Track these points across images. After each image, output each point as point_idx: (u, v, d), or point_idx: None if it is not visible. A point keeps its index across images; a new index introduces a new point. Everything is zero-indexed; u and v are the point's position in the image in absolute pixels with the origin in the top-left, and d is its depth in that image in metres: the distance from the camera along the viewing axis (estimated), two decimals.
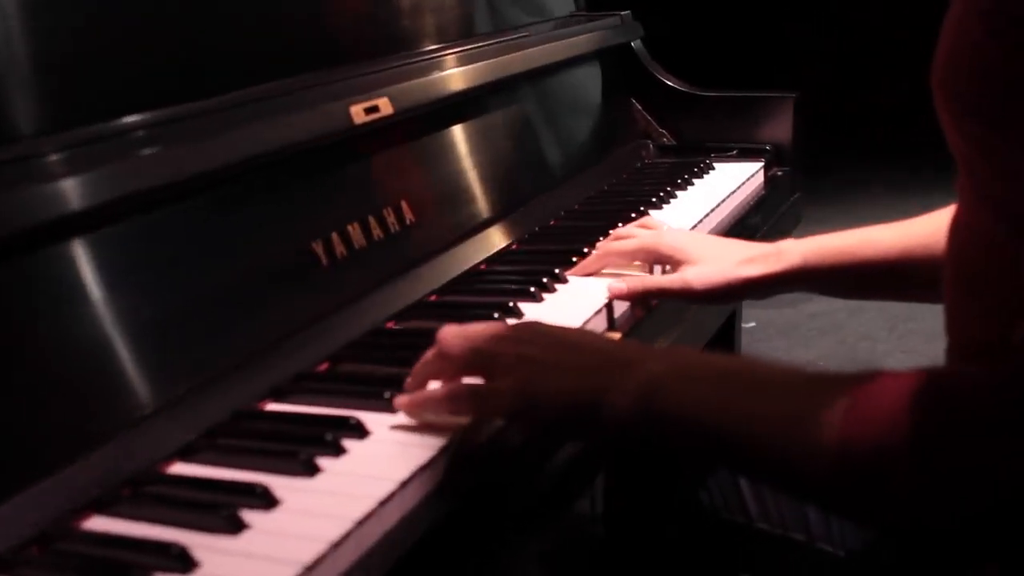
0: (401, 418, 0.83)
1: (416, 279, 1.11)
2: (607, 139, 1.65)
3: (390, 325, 1.03)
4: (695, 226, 1.33)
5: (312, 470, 0.75)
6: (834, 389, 0.68)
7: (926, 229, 1.04)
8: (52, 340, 0.77)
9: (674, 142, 1.73)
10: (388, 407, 0.83)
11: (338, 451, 0.78)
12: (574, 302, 1.07)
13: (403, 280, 1.09)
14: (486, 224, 1.26)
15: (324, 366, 0.94)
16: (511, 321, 0.87)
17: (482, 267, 1.20)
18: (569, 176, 1.49)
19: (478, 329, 0.84)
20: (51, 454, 0.73)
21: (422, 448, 0.78)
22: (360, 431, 0.80)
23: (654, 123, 1.72)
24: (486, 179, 1.32)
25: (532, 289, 1.08)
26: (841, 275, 1.06)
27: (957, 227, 0.78)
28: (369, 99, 1.07)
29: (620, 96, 1.70)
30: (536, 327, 0.85)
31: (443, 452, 0.78)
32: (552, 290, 1.10)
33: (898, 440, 0.64)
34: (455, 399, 0.81)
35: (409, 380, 0.85)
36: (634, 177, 1.58)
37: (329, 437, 0.78)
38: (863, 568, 0.98)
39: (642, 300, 1.09)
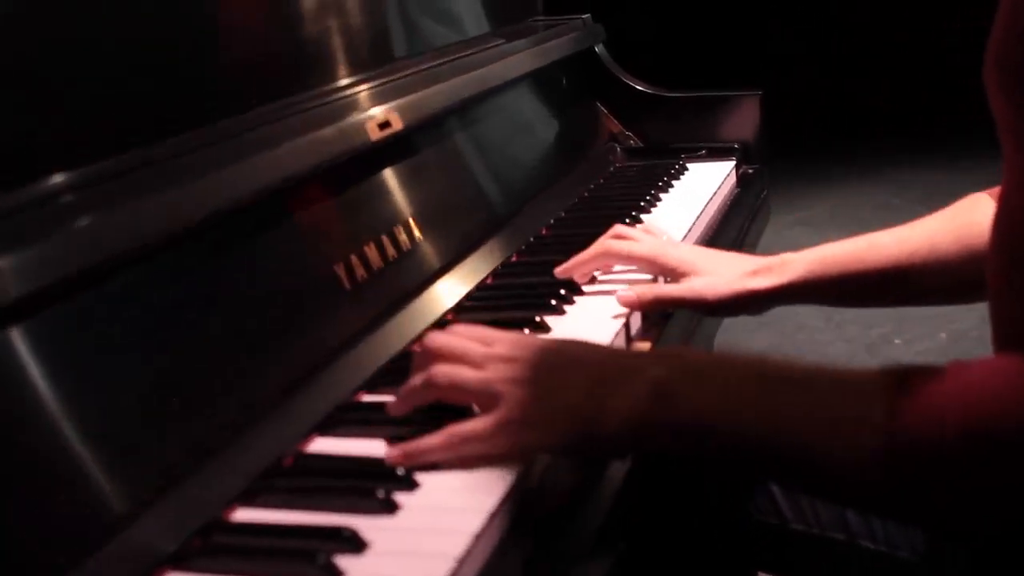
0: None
1: (432, 297, 1.08)
2: (579, 144, 1.64)
3: (417, 349, 0.99)
4: (688, 230, 1.32)
5: (392, 507, 0.71)
6: (870, 389, 0.68)
7: (927, 232, 1.05)
8: (99, 393, 0.72)
9: (641, 144, 1.72)
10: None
11: (411, 485, 0.74)
12: (598, 315, 1.05)
13: (420, 299, 1.06)
14: (485, 236, 1.23)
15: (363, 396, 0.90)
16: (499, 334, 0.82)
17: (489, 281, 1.17)
18: (550, 183, 1.47)
19: (465, 348, 0.80)
20: (110, 513, 0.68)
21: (497, 478, 0.75)
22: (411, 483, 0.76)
23: (620, 126, 1.72)
24: (479, 191, 1.30)
25: (553, 302, 1.06)
26: (845, 284, 1.06)
27: (1007, 210, 0.78)
28: (380, 115, 1.03)
29: (587, 100, 1.69)
30: (526, 341, 0.81)
31: (520, 482, 0.75)
32: (571, 301, 1.08)
33: (951, 441, 0.63)
34: (454, 446, 0.76)
35: (394, 404, 0.82)
36: (611, 182, 1.57)
37: (401, 472, 0.74)
38: (912, 565, 0.98)
39: (652, 309, 1.07)
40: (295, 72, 1.10)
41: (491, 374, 0.77)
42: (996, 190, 1.05)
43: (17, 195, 0.75)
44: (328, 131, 0.98)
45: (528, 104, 1.54)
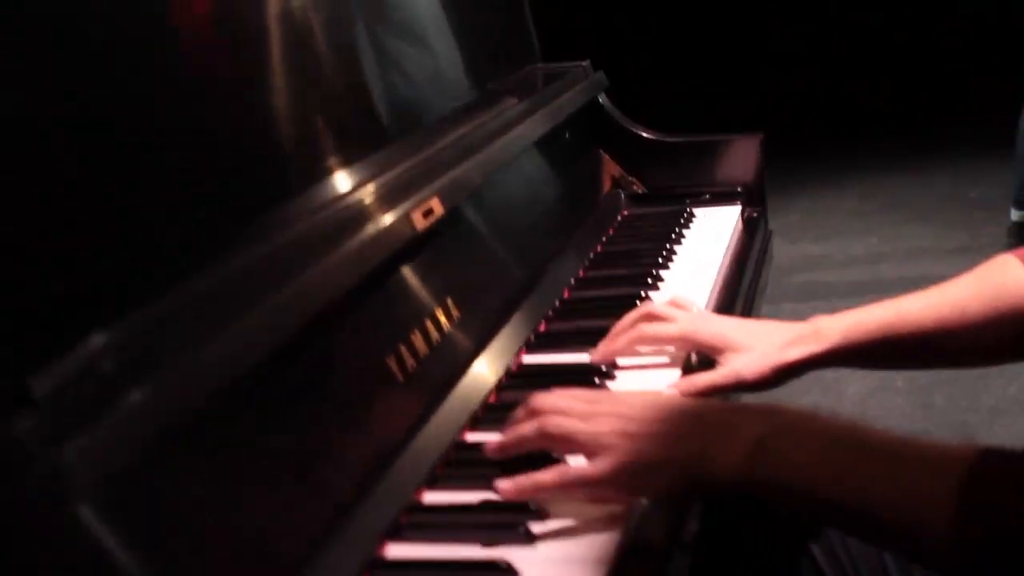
0: (545, 556, 0.80)
1: (474, 381, 1.08)
2: (587, 195, 1.65)
3: (470, 436, 1.00)
4: (711, 290, 1.34)
5: None
6: (949, 464, 0.73)
7: (956, 296, 1.07)
8: (170, 536, 0.71)
9: (643, 187, 1.74)
10: (528, 540, 0.81)
11: None
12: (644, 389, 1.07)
13: (464, 383, 1.06)
14: (512, 307, 1.24)
15: (425, 494, 0.91)
16: (598, 393, 0.92)
17: (522, 354, 1.18)
18: (565, 240, 1.48)
19: (572, 405, 0.88)
20: None
21: (599, 543, 0.79)
22: (512, 574, 0.78)
23: (622, 170, 1.73)
24: (503, 258, 1.31)
25: (597, 380, 1.07)
26: (878, 351, 1.08)
27: None
28: (422, 202, 1.03)
29: (591, 148, 1.70)
30: (628, 398, 0.90)
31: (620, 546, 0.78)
32: (612, 377, 1.10)
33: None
34: (566, 485, 0.84)
35: (497, 448, 0.89)
36: (622, 233, 1.58)
37: None
38: None
39: None
40: (323, 162, 1.09)
41: (601, 427, 0.85)
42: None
43: (63, 365, 0.66)
44: (373, 230, 0.97)
45: (537, 161, 1.54)
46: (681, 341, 1.12)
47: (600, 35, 5.18)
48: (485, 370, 1.11)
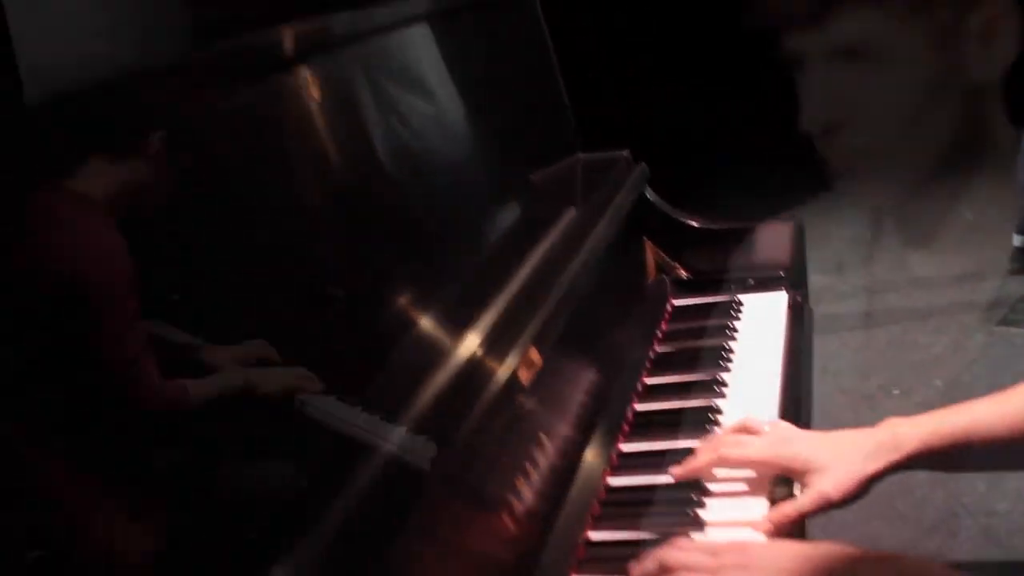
0: None
1: (569, 517, 1.11)
2: (635, 286, 1.69)
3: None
4: (777, 390, 1.39)
5: None
6: None
7: None
8: None
9: (687, 274, 1.78)
10: None
11: None
12: (735, 519, 1.11)
13: (562, 522, 1.10)
14: (590, 426, 1.28)
15: None
16: (719, 544, 0.99)
17: (607, 476, 1.22)
18: (623, 338, 1.52)
19: (700, 560, 0.95)
20: None
21: None
22: None
23: (667, 258, 1.78)
24: (572, 373, 1.34)
25: (689, 512, 1.12)
26: (954, 456, 1.13)
27: None
28: (522, 356, 1.07)
29: (637, 238, 1.75)
30: (751, 549, 0.97)
31: None
32: (703, 505, 1.14)
33: None
34: None
35: None
36: (676, 329, 1.62)
37: None
38: None
39: (790, 529, 1.12)
40: (410, 316, 1.12)
41: None
42: None
43: None
44: (488, 402, 1.00)
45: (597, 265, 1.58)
46: (762, 466, 1.17)
47: (600, 34, 5.19)
48: (578, 502, 1.15)
